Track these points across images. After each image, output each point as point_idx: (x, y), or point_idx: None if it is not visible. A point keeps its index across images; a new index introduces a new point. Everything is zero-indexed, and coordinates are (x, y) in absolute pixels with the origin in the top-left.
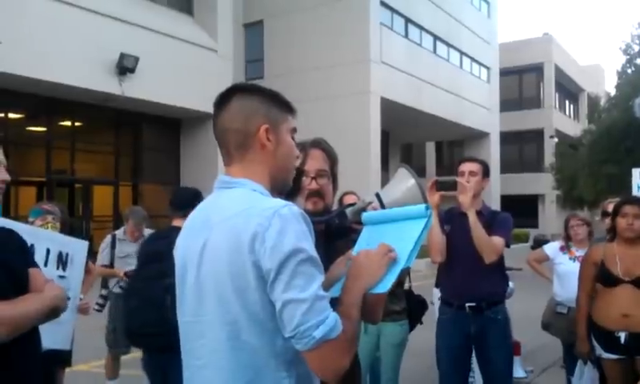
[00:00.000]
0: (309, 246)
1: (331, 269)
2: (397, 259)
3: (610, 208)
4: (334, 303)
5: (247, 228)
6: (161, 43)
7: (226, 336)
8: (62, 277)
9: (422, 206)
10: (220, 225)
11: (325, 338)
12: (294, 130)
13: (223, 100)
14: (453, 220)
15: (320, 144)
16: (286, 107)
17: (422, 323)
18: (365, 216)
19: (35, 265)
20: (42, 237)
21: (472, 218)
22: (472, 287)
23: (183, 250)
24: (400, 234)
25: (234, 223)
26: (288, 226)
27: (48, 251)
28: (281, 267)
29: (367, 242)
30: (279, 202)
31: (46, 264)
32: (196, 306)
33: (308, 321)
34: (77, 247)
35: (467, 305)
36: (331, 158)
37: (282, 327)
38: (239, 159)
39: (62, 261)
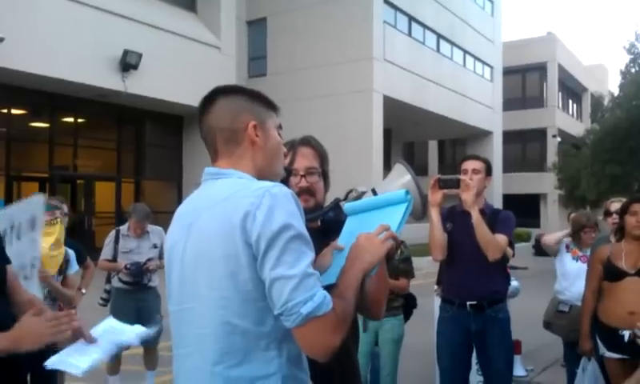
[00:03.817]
0: (299, 223)
1: (318, 260)
2: (392, 247)
3: (613, 207)
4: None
5: (239, 209)
6: (164, 40)
7: (218, 321)
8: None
9: (402, 191)
10: (208, 211)
11: (312, 315)
12: (279, 127)
13: (208, 101)
14: (455, 218)
15: (309, 142)
16: (269, 105)
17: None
18: (347, 206)
19: (8, 261)
20: None
21: (475, 215)
22: (473, 285)
23: (170, 241)
24: (382, 220)
25: (224, 207)
26: (278, 204)
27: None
28: (270, 244)
29: (351, 231)
30: (270, 183)
31: None
32: (181, 293)
33: (296, 297)
34: (28, 209)
35: (468, 303)
36: (321, 155)
37: (271, 304)
38: (228, 155)
39: (15, 234)
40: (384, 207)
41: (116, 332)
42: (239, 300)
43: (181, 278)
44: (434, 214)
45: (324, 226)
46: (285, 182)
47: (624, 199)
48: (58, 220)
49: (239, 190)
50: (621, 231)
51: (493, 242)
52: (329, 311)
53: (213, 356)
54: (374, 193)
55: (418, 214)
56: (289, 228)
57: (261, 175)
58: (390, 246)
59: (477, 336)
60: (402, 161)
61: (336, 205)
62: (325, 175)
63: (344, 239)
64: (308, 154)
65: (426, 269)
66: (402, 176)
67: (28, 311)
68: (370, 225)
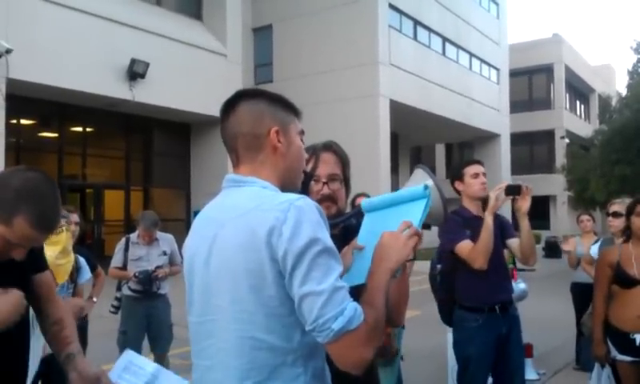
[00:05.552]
0: (325, 236)
1: None
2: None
3: (614, 208)
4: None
5: (263, 223)
6: (171, 48)
7: (241, 335)
8: None
9: (421, 187)
10: (232, 222)
11: (343, 330)
12: (301, 132)
13: (230, 105)
14: (469, 224)
15: (331, 147)
16: (292, 110)
17: None
18: (364, 203)
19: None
20: None
21: (527, 224)
22: (500, 288)
23: (191, 249)
24: (402, 217)
25: (247, 220)
26: (304, 218)
27: None
28: (298, 260)
29: (370, 229)
30: (293, 195)
31: None
32: (203, 305)
33: (326, 314)
34: None
35: (497, 306)
36: (343, 161)
37: (302, 321)
38: (249, 161)
39: None
40: (402, 203)
41: (137, 371)
42: (263, 315)
43: (204, 290)
44: (491, 220)
45: (345, 232)
46: (305, 186)
47: (627, 200)
48: (64, 228)
49: (263, 203)
50: (628, 232)
51: (534, 248)
52: (360, 324)
53: (238, 372)
54: None
55: (441, 219)
56: (316, 242)
57: (282, 181)
58: (415, 243)
59: (504, 338)
60: (422, 166)
61: (358, 211)
62: (346, 181)
63: (363, 238)
64: (330, 160)
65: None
66: (423, 181)
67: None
68: (388, 222)
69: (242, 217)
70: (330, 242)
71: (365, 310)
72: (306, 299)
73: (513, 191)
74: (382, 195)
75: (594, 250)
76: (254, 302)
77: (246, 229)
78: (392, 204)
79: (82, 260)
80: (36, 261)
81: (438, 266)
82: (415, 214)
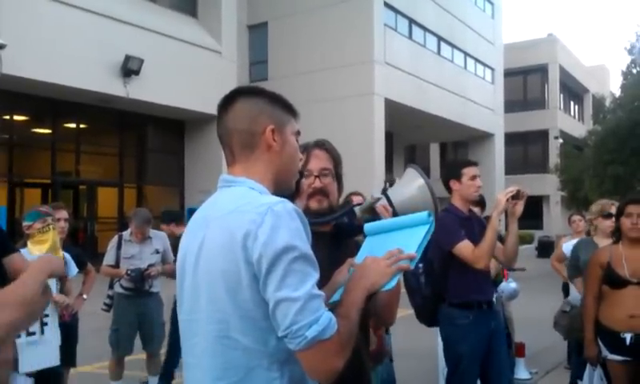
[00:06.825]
0: (302, 243)
1: (334, 275)
2: (400, 269)
3: (613, 210)
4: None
5: (241, 225)
6: (165, 45)
7: (217, 335)
8: None
9: (425, 213)
10: (215, 222)
11: (317, 338)
12: (297, 133)
13: (228, 101)
14: (464, 225)
15: (323, 144)
16: (289, 110)
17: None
18: (366, 227)
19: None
20: None
21: (516, 227)
22: (486, 285)
23: (184, 248)
24: (403, 241)
25: (228, 221)
26: (281, 223)
27: None
28: (273, 265)
29: (369, 251)
30: (274, 198)
31: None
32: (192, 304)
33: (301, 320)
34: None
35: (484, 304)
36: (335, 158)
37: (275, 326)
38: (244, 159)
39: None
40: (405, 228)
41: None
42: (238, 317)
43: (193, 289)
44: (497, 222)
45: (336, 229)
46: (297, 184)
47: (616, 202)
48: (50, 227)
49: (244, 204)
50: (618, 233)
51: (517, 252)
52: (334, 334)
53: (214, 371)
54: (387, 197)
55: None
56: (292, 249)
57: (275, 181)
58: (397, 270)
59: (493, 333)
60: (414, 165)
61: (350, 210)
62: (338, 178)
63: (361, 258)
64: (322, 156)
65: None
66: (414, 180)
67: None
68: (389, 246)
69: (223, 218)
70: (307, 249)
71: (339, 322)
72: (280, 304)
73: (515, 196)
74: (385, 219)
75: (567, 248)
76: (230, 303)
77: (226, 230)
78: (394, 228)
79: (67, 255)
80: (3, 244)
81: (420, 266)
82: (416, 239)
